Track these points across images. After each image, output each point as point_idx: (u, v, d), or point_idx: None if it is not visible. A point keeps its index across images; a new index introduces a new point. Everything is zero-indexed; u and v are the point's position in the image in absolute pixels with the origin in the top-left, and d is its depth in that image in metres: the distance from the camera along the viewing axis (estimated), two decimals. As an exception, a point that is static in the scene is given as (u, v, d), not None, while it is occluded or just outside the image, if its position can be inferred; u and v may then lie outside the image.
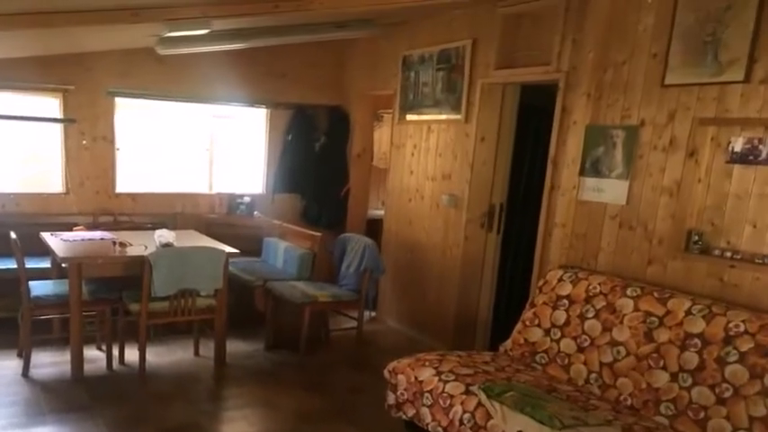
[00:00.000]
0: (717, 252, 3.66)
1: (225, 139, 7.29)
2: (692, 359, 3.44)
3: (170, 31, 4.90)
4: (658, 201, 3.98)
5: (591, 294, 4.08)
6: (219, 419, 4.48)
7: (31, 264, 5.18)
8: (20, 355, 5.09)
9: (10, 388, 4.64)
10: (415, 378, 3.93)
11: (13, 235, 4.84)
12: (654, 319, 3.69)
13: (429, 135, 5.98)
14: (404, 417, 4.03)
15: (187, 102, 6.92)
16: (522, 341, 4.32)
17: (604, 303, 3.98)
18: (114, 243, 5.01)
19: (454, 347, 5.30)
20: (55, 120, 6.36)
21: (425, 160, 6.04)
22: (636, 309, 3.80)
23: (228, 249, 5.08)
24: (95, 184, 6.57)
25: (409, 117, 6.24)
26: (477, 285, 5.68)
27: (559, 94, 4.66)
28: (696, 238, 3.75)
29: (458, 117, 5.57)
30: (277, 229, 6.60)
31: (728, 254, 3.60)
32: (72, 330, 4.77)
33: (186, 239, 5.37)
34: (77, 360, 4.83)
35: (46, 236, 5.29)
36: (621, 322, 3.83)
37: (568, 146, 4.59)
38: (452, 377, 3.79)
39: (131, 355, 5.15)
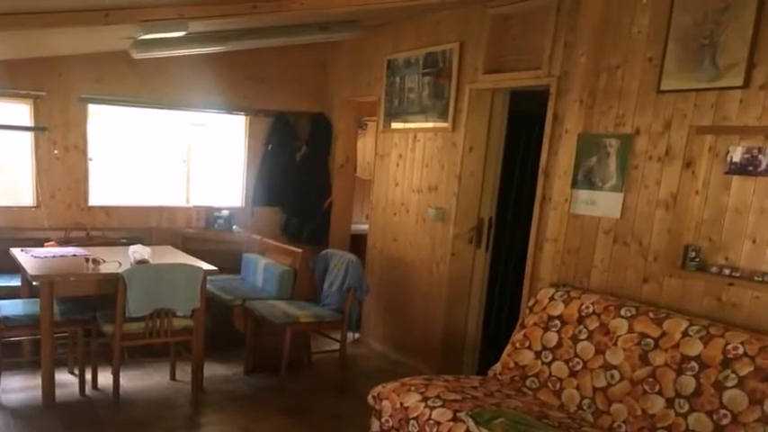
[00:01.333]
0: (715, 269, 3.64)
1: (202, 148, 7.29)
2: (688, 384, 3.42)
3: (145, 34, 4.90)
4: (654, 214, 3.97)
5: (584, 314, 4.06)
6: (195, 448, 4.48)
7: (0, 282, 5.16)
8: (-11, 380, 5.09)
9: (-20, 415, 4.64)
10: (401, 404, 3.90)
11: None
12: (649, 340, 3.67)
13: (415, 144, 5.98)
14: (387, 446, 4.01)
15: (163, 108, 6.93)
16: (511, 364, 4.30)
17: (597, 324, 3.96)
18: (87, 260, 4.99)
19: (441, 371, 5.31)
20: (25, 128, 6.34)
21: (411, 171, 6.04)
22: (630, 330, 3.78)
23: (206, 266, 5.07)
24: (67, 197, 6.56)
25: (394, 125, 6.24)
26: (465, 305, 5.67)
27: (550, 100, 4.67)
28: (693, 254, 3.73)
29: (445, 125, 5.57)
30: (257, 244, 6.59)
31: (727, 271, 3.58)
32: (43, 353, 4.74)
33: (162, 256, 5.36)
34: (49, 385, 4.82)
35: (16, 252, 5.28)
36: (615, 344, 3.81)
37: (560, 156, 4.58)
38: (439, 403, 3.77)
39: (105, 379, 5.15)
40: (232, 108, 7.21)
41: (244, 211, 7.41)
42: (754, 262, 3.50)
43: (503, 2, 5.05)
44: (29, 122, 6.35)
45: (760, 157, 3.46)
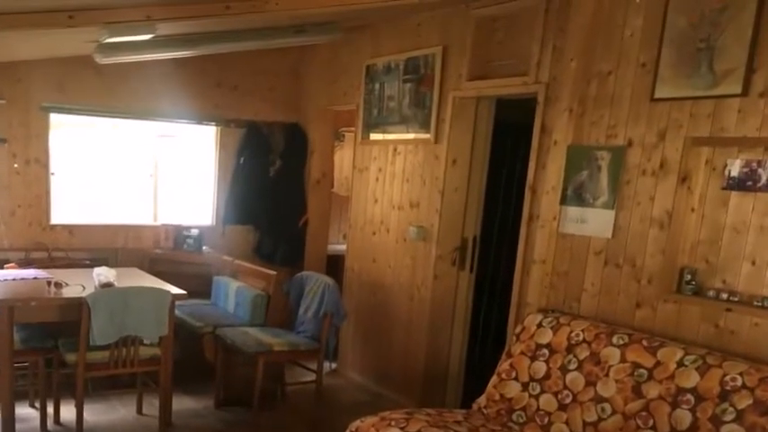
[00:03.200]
0: (711, 293, 3.64)
1: (171, 162, 7.28)
2: (684, 418, 3.41)
3: (110, 36, 4.86)
4: (647, 234, 3.96)
5: (573, 343, 4.05)
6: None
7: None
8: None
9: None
10: (380, 440, 3.87)
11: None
12: (642, 371, 3.65)
13: (395, 157, 5.98)
14: (364, 486, 3.97)
15: (129, 118, 6.92)
16: (497, 397, 4.28)
17: (588, 353, 3.94)
18: (49, 283, 4.96)
19: (423, 403, 5.28)
20: (-17, 140, 6.31)
21: (391, 186, 6.03)
22: (623, 359, 3.77)
23: (175, 290, 5.07)
24: (28, 214, 6.51)
25: (373, 136, 6.24)
26: (449, 331, 5.65)
27: (538, 109, 4.66)
28: (689, 276, 3.73)
29: (427, 136, 5.56)
30: (228, 266, 6.57)
31: (724, 295, 3.57)
32: (1, 385, 4.71)
33: (128, 279, 5.35)
34: (8, 420, 4.78)
35: None
36: (607, 375, 3.80)
37: (548, 170, 4.58)
38: (420, 439, 3.74)
39: (68, 412, 5.12)
40: (202, 118, 7.20)
41: (214, 230, 7.37)
42: (754, 285, 3.49)
43: (488, 2, 5.05)
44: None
45: (759, 171, 3.46)
